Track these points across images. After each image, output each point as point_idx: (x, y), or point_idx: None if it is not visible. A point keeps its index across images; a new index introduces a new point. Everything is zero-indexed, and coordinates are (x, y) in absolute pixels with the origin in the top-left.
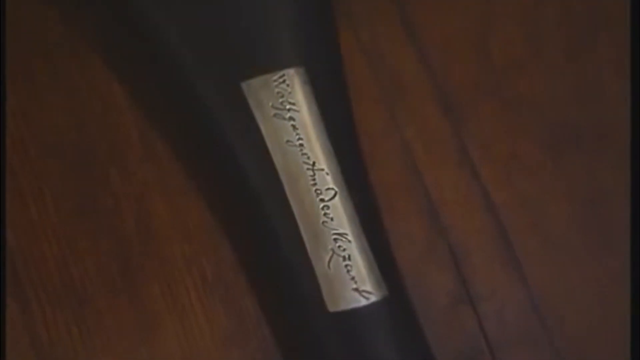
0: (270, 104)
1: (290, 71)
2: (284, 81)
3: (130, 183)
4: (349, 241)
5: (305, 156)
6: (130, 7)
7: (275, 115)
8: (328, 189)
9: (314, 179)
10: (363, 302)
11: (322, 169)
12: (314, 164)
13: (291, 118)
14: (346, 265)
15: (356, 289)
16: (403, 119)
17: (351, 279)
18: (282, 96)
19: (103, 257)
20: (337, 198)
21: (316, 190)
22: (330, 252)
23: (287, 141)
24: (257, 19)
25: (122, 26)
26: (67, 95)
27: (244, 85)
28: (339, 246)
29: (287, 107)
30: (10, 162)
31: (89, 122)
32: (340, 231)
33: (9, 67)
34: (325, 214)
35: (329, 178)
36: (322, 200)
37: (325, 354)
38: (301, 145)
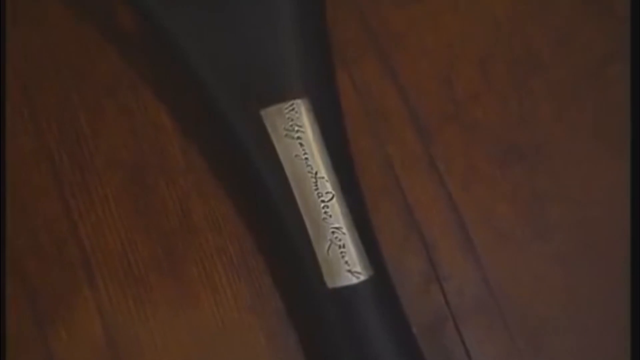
0: (283, 126)
1: (298, 101)
2: (293, 109)
3: (175, 189)
4: (344, 233)
5: (310, 167)
6: (177, 54)
7: (286, 135)
8: (327, 192)
9: (316, 185)
10: (354, 281)
11: (323, 177)
12: (316, 173)
13: (299, 137)
14: (341, 252)
15: (349, 270)
16: (385, 139)
17: (345, 263)
18: (292, 120)
19: (153, 245)
20: (334, 200)
21: (318, 193)
22: (329, 242)
23: (296, 155)
24: (273, 63)
25: (171, 69)
26: (127, 121)
27: (263, 113)
28: (336, 237)
29: (296, 129)
30: (82, 174)
31: (143, 142)
32: (337, 225)
33: (86, 100)
34: (325, 212)
35: (328, 184)
36: (322, 201)
37: (325, 320)
38: (306, 158)
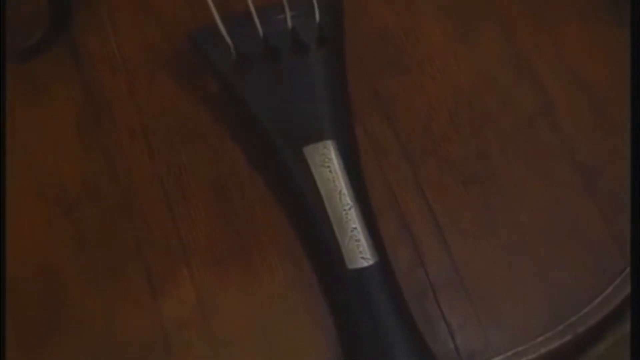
0: (318, 159)
1: (329, 142)
2: (325, 147)
3: (244, 200)
4: (358, 232)
5: (336, 186)
6: (245, 109)
7: (320, 165)
8: (347, 204)
9: (340, 199)
10: (365, 264)
11: (345, 193)
12: (340, 190)
13: (328, 166)
14: (357, 244)
15: (362, 257)
16: (386, 167)
17: (359, 251)
18: (324, 155)
19: (230, 240)
20: (352, 209)
21: (341, 204)
22: (349, 237)
23: (327, 179)
24: (312, 116)
25: (241, 120)
26: (212, 155)
27: (305, 150)
28: (353, 234)
29: (327, 161)
30: (182, 190)
31: (223, 169)
32: (354, 226)
33: (184, 141)
34: (346, 217)
35: (347, 198)
36: (344, 210)
37: (346, 292)
38: (334, 181)
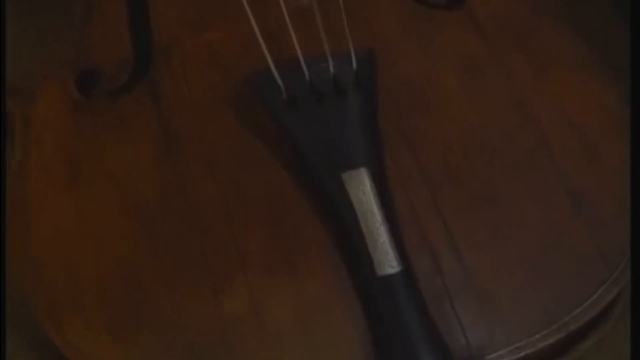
0: (354, 183)
1: (363, 169)
2: (360, 173)
3: (292, 218)
4: (387, 244)
5: (368, 206)
6: (292, 141)
7: (356, 189)
8: (377, 221)
9: (372, 217)
10: (392, 271)
11: (376, 212)
12: (372, 210)
13: (362, 190)
14: (386, 255)
15: (389, 265)
16: (410, 191)
17: (387, 260)
18: (359, 180)
19: (279, 249)
20: (382, 226)
21: (372, 221)
22: (379, 249)
23: (361, 200)
24: (350, 147)
25: (289, 149)
26: (262, 177)
27: (343, 175)
28: (383, 246)
29: (361, 185)
30: (242, 210)
31: (275, 191)
32: (383, 240)
33: (242, 164)
34: (377, 232)
35: (378, 217)
36: (375, 226)
37: (376, 295)
38: (367, 202)
